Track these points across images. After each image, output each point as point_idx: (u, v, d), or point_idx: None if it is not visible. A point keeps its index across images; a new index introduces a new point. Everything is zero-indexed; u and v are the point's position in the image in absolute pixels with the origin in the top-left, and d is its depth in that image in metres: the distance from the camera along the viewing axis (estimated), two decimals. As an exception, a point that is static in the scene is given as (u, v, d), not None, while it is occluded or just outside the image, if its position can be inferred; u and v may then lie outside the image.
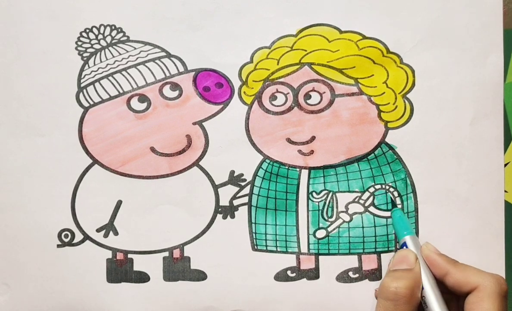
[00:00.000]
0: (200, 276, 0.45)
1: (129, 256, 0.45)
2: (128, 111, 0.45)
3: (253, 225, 0.45)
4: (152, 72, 0.45)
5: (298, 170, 0.45)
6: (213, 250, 0.45)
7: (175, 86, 0.45)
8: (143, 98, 0.45)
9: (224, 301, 0.45)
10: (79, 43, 0.45)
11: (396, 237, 0.44)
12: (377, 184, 0.45)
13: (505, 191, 0.45)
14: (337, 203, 0.45)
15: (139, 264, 0.45)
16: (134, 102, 0.45)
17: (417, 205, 0.45)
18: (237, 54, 0.45)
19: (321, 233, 0.45)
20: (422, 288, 0.39)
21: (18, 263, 0.45)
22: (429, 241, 0.44)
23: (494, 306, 0.36)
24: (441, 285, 0.40)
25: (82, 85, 0.45)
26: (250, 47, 0.45)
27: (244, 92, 0.45)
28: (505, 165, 0.45)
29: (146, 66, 0.45)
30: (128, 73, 0.45)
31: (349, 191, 0.45)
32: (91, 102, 0.45)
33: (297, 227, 0.45)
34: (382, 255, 0.45)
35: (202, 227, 0.45)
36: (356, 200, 0.45)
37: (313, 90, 0.45)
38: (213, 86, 0.45)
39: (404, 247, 0.41)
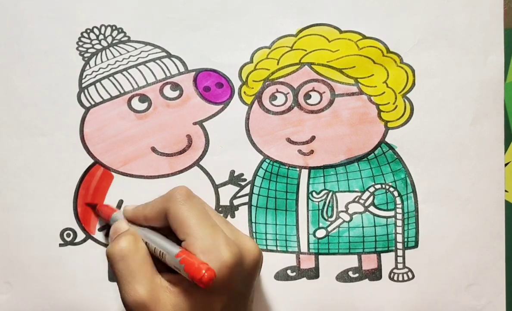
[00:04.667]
0: (201, 275, 0.46)
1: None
2: (129, 111, 0.45)
3: (253, 224, 0.45)
4: (152, 72, 0.45)
5: (298, 169, 0.45)
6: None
7: (175, 86, 0.45)
8: (143, 98, 0.45)
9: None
10: (80, 43, 0.45)
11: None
12: (377, 184, 0.45)
13: (506, 191, 0.45)
14: (337, 202, 0.45)
15: (140, 263, 0.46)
16: (135, 102, 0.45)
17: (417, 205, 0.45)
18: (237, 54, 0.45)
19: (321, 233, 0.45)
20: (146, 243, 0.39)
21: (20, 262, 0.45)
22: (429, 241, 0.45)
23: (184, 211, 0.37)
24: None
25: (83, 85, 0.45)
26: (250, 47, 0.45)
27: (244, 92, 0.45)
28: (506, 165, 0.45)
29: (147, 66, 0.45)
30: (129, 73, 0.45)
31: (349, 191, 0.45)
32: (92, 102, 0.45)
33: (297, 227, 0.45)
34: (382, 255, 0.45)
35: (203, 226, 0.46)
36: (356, 199, 0.45)
37: (313, 90, 0.45)
38: (213, 86, 0.45)
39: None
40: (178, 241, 0.38)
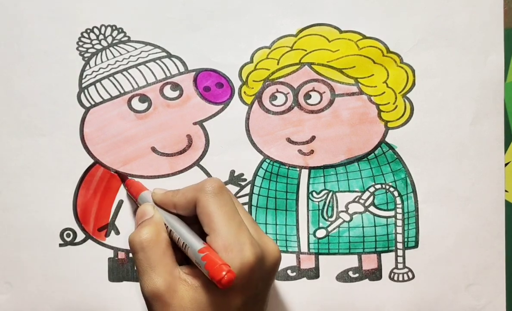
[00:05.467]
0: (201, 275, 0.46)
1: (131, 255, 0.46)
2: (129, 111, 0.45)
3: (254, 224, 0.45)
4: (152, 72, 0.45)
5: (298, 169, 0.45)
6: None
7: (175, 86, 0.45)
8: (144, 98, 0.45)
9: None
10: (80, 43, 0.45)
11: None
12: (377, 184, 0.45)
13: (506, 191, 0.45)
14: (337, 202, 0.45)
15: (140, 263, 0.46)
16: (135, 102, 0.45)
17: (417, 204, 0.45)
18: (237, 54, 0.45)
19: (321, 233, 0.45)
20: (170, 231, 0.38)
21: (20, 262, 0.45)
22: (429, 241, 0.45)
23: (215, 206, 0.37)
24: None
25: (83, 85, 0.45)
26: (250, 47, 0.45)
27: (244, 92, 0.45)
28: (506, 165, 0.45)
29: (147, 66, 0.45)
30: (129, 73, 0.45)
31: (349, 191, 0.45)
32: (92, 102, 0.45)
33: (297, 227, 0.45)
34: (382, 254, 0.45)
35: (203, 226, 0.46)
36: (356, 199, 0.45)
37: (313, 90, 0.45)
38: (213, 86, 0.45)
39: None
40: (203, 233, 0.37)
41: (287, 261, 0.45)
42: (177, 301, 0.35)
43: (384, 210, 0.45)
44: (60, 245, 0.45)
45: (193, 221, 0.39)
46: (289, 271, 0.45)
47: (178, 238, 0.38)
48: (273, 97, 0.45)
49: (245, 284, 0.35)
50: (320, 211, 0.45)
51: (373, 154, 0.45)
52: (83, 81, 0.45)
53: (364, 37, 0.45)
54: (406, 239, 0.45)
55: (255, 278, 0.36)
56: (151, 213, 0.40)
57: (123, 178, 0.45)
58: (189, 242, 0.37)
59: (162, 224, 0.39)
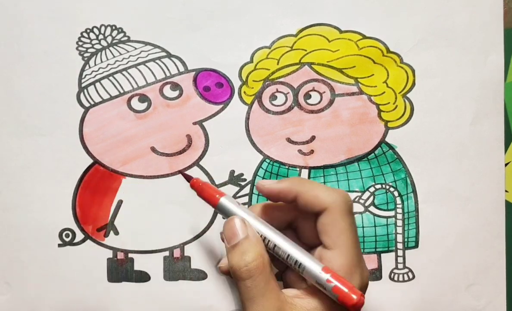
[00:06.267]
0: (201, 275, 0.45)
1: (130, 255, 0.45)
2: (129, 111, 0.45)
3: (253, 224, 0.45)
4: (152, 72, 0.45)
5: (298, 169, 0.45)
6: (214, 250, 0.45)
7: (175, 86, 0.45)
8: (143, 98, 0.45)
9: (224, 300, 0.45)
10: (80, 43, 0.45)
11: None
12: (377, 184, 0.45)
13: (506, 191, 0.45)
14: (337, 202, 0.45)
15: (140, 263, 0.46)
16: (135, 102, 0.45)
17: (417, 205, 0.45)
18: (237, 54, 0.45)
19: (321, 233, 0.45)
20: (268, 241, 0.37)
21: (19, 262, 0.45)
22: (429, 241, 0.44)
23: (346, 224, 0.36)
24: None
25: (83, 85, 0.45)
26: (250, 47, 0.45)
27: (244, 92, 0.45)
28: (506, 165, 0.45)
29: (147, 66, 0.45)
30: (129, 73, 0.45)
31: (349, 191, 0.45)
32: (92, 102, 0.45)
33: (297, 227, 0.45)
34: (382, 255, 0.45)
35: (203, 226, 0.46)
36: (356, 199, 0.45)
37: (313, 90, 0.45)
38: (213, 86, 0.45)
39: (226, 218, 0.38)
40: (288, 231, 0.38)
41: (287, 261, 0.45)
42: None
43: (384, 210, 0.45)
44: (59, 245, 0.45)
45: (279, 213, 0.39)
46: (289, 271, 0.45)
47: (288, 256, 0.36)
48: (273, 97, 0.45)
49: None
50: (320, 211, 0.45)
51: (373, 154, 0.45)
52: (83, 81, 0.45)
53: (364, 37, 0.45)
54: (406, 239, 0.45)
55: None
56: (245, 230, 0.37)
57: (188, 178, 0.41)
58: (307, 262, 0.36)
59: (262, 244, 0.37)
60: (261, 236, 0.37)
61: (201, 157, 0.45)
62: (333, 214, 0.36)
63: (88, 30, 0.45)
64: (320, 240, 0.37)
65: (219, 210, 0.39)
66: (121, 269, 0.45)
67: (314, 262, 0.35)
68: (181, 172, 0.44)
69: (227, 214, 0.38)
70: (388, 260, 0.45)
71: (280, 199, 0.38)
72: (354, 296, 0.33)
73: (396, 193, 0.45)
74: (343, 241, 0.36)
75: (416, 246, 0.45)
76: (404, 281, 0.45)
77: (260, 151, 0.45)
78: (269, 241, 0.37)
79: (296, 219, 0.39)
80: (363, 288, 0.36)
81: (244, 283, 0.35)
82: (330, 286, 0.34)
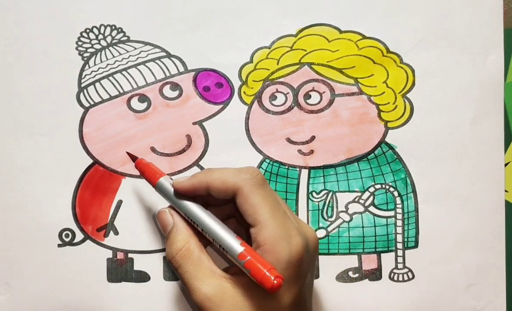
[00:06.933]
0: (200, 275, 0.45)
1: (130, 255, 0.45)
2: (128, 111, 0.45)
3: (253, 224, 0.45)
4: (152, 72, 0.45)
5: (298, 169, 0.45)
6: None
7: (175, 86, 0.45)
8: (143, 98, 0.45)
9: (224, 300, 0.45)
10: (80, 43, 0.45)
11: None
12: (377, 184, 0.45)
13: (506, 191, 0.45)
14: (337, 202, 0.45)
15: (140, 263, 0.45)
16: (134, 102, 0.45)
17: (417, 205, 0.45)
18: (237, 54, 0.45)
19: (321, 233, 0.45)
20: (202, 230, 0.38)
21: (19, 262, 0.45)
22: (429, 241, 0.44)
23: (260, 198, 0.36)
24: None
25: (82, 85, 0.45)
26: (250, 47, 0.45)
27: (244, 92, 0.45)
28: (506, 165, 0.45)
29: (146, 66, 0.45)
30: (128, 73, 0.45)
31: (349, 191, 0.45)
32: (92, 102, 0.45)
33: (297, 227, 0.45)
34: (382, 255, 0.45)
35: (202, 226, 0.46)
36: (356, 199, 0.45)
37: (313, 90, 0.45)
38: (213, 86, 0.45)
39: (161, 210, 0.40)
40: (223, 213, 0.38)
41: (287, 261, 0.45)
42: (228, 301, 0.35)
43: (384, 210, 0.45)
44: (59, 245, 0.45)
45: (221, 203, 0.39)
46: (289, 271, 0.45)
47: (213, 239, 0.37)
48: (273, 97, 0.45)
49: (295, 276, 0.35)
50: (320, 211, 0.45)
51: (373, 154, 0.45)
52: (83, 81, 0.45)
53: (364, 37, 0.45)
54: (406, 239, 0.45)
55: (304, 267, 0.36)
56: (171, 221, 0.39)
57: (133, 158, 0.44)
58: (227, 247, 0.36)
59: (186, 231, 0.39)
60: (191, 220, 0.38)
61: (201, 157, 0.45)
62: (244, 192, 0.36)
63: (87, 30, 0.45)
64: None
65: (158, 189, 0.40)
66: (121, 269, 0.45)
67: (235, 246, 0.36)
68: (128, 152, 0.45)
69: (165, 194, 0.40)
70: (388, 260, 0.45)
71: (197, 194, 0.39)
72: (272, 279, 0.33)
73: (396, 193, 0.45)
74: (261, 215, 0.36)
75: (416, 246, 0.45)
76: (404, 281, 0.45)
77: (260, 152, 0.45)
78: (197, 225, 0.38)
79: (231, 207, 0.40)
80: (294, 259, 0.35)
81: (177, 271, 0.37)
82: (248, 270, 0.34)
